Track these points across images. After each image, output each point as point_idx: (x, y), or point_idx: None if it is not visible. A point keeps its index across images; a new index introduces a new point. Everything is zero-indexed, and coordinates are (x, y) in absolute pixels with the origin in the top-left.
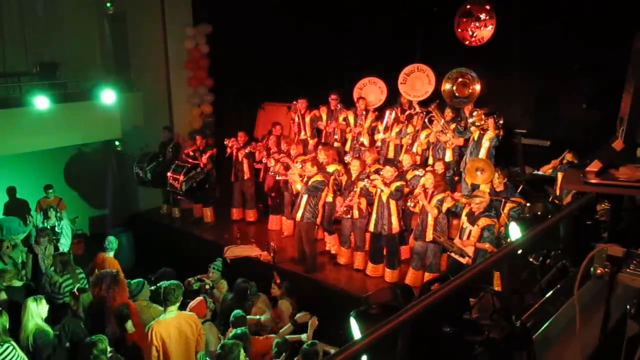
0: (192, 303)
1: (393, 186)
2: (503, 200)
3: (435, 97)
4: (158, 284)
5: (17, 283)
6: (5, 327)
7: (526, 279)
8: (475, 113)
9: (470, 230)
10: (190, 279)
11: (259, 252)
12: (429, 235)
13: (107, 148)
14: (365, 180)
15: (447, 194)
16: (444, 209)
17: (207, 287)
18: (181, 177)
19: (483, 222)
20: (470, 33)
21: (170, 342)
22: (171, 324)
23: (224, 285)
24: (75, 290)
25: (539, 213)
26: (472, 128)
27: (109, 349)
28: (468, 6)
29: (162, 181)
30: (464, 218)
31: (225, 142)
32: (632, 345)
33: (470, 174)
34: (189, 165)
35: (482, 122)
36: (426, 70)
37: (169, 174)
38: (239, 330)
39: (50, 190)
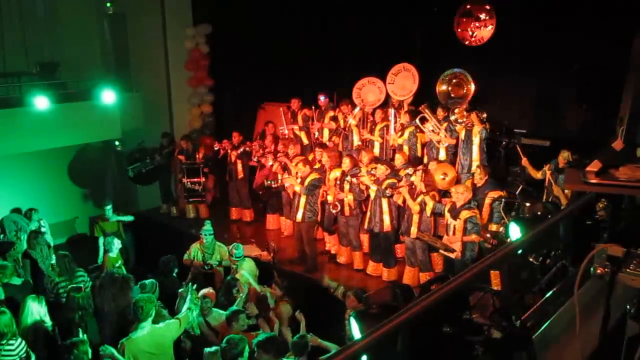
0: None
1: (385, 184)
2: (504, 201)
3: (422, 96)
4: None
5: (16, 280)
6: (14, 323)
7: (526, 279)
8: (457, 111)
9: (455, 225)
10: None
11: (259, 252)
12: (414, 232)
13: (107, 148)
14: (349, 176)
15: (434, 194)
16: (428, 212)
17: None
18: (202, 179)
19: (465, 214)
20: (470, 33)
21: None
22: (143, 342)
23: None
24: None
25: (538, 213)
26: (457, 127)
27: (90, 351)
28: (468, 6)
29: (143, 181)
30: (447, 214)
31: (215, 147)
32: (632, 345)
33: (437, 177)
34: (200, 166)
35: (465, 119)
36: (411, 69)
37: (184, 179)
38: (271, 334)
39: (108, 207)
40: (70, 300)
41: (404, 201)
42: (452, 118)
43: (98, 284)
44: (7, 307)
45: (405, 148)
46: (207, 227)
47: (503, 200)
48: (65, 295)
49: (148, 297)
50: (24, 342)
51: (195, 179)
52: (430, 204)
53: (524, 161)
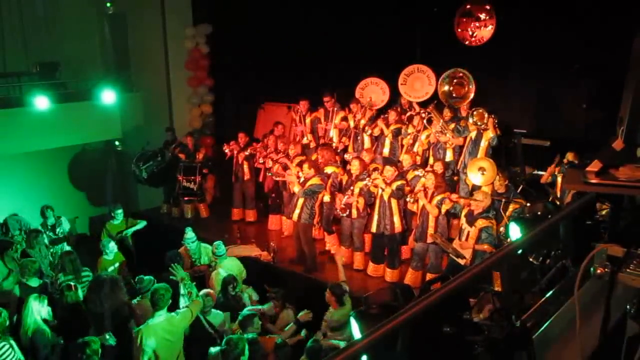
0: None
1: (394, 185)
2: (504, 200)
3: (435, 99)
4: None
5: (34, 282)
6: (4, 326)
7: (526, 279)
8: (476, 112)
9: (469, 232)
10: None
11: (259, 252)
12: (430, 237)
13: (107, 148)
14: (367, 179)
15: (447, 194)
16: (443, 211)
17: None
18: (198, 178)
19: (481, 223)
20: (470, 33)
21: (160, 346)
22: (161, 328)
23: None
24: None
25: (539, 213)
26: (472, 127)
27: (100, 350)
28: (468, 6)
29: (157, 181)
30: (463, 219)
31: (224, 149)
32: (632, 345)
33: (473, 173)
34: (198, 165)
35: (485, 122)
36: (426, 71)
37: (180, 177)
38: (249, 335)
39: (119, 211)
40: (62, 298)
41: (413, 202)
42: (471, 120)
43: (87, 288)
44: (19, 307)
45: (420, 149)
46: (189, 235)
47: (503, 200)
48: (59, 290)
49: (166, 286)
50: (9, 348)
51: (191, 177)
52: (447, 204)
53: (544, 178)
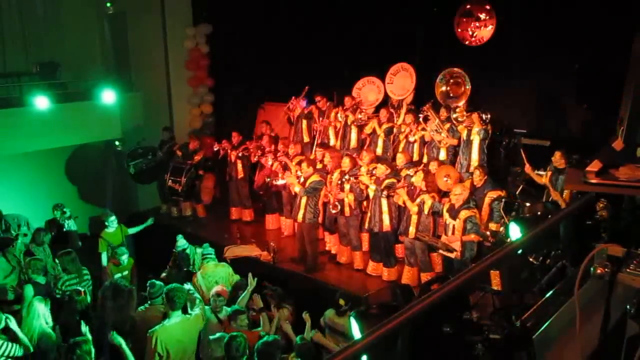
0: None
1: (384, 184)
2: (502, 199)
3: (422, 96)
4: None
5: (41, 279)
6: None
7: (526, 279)
8: (457, 109)
9: (454, 225)
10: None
11: (259, 252)
12: (412, 233)
13: (107, 148)
14: (348, 175)
15: (433, 195)
16: (425, 210)
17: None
18: (183, 180)
19: (464, 214)
20: (470, 33)
21: (174, 349)
22: (175, 330)
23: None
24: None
25: (539, 213)
26: (459, 127)
27: (93, 350)
28: (468, 6)
29: (144, 179)
30: (445, 214)
31: (215, 147)
32: (632, 345)
33: (439, 180)
34: (187, 167)
35: (465, 118)
36: (408, 68)
37: (166, 176)
38: (270, 338)
39: (112, 218)
40: (71, 302)
41: (388, 196)
42: (453, 116)
43: (101, 295)
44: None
45: (415, 142)
46: (180, 242)
47: (503, 200)
48: (68, 294)
49: (181, 287)
50: (5, 343)
51: (177, 178)
52: (428, 203)
53: (527, 168)
